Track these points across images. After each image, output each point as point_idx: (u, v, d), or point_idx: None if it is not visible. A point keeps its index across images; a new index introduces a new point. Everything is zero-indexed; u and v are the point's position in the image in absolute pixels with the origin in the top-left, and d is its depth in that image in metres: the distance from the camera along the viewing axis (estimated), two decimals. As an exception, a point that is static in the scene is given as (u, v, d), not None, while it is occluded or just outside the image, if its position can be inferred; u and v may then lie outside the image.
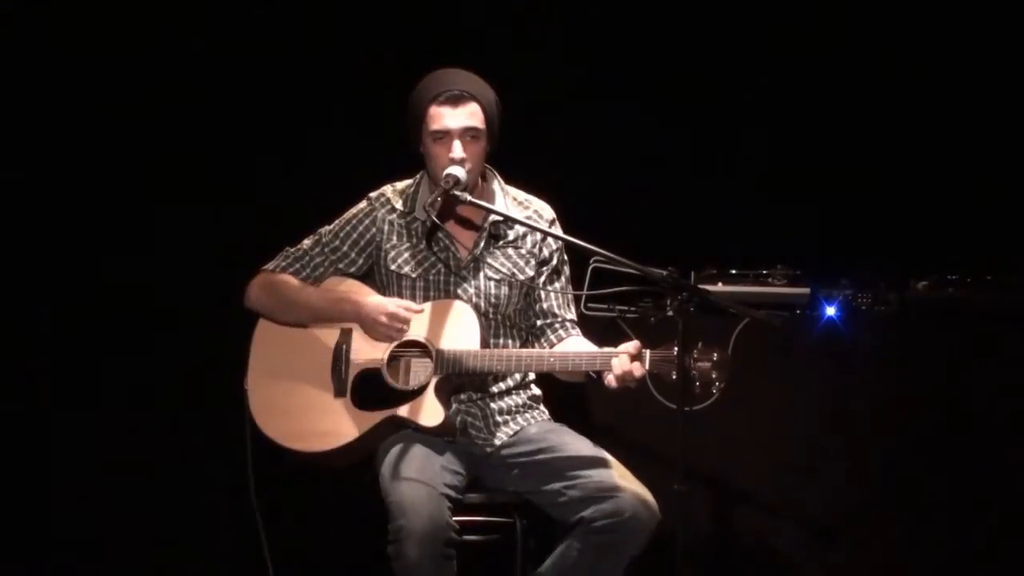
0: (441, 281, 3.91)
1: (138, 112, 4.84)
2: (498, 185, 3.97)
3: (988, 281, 4.62)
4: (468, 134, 3.80)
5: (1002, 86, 4.90)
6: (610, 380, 3.66)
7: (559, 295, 3.97)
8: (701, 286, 4.41)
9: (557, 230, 3.97)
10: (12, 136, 4.80)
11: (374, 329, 3.81)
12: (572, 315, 4.00)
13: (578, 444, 3.84)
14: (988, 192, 4.90)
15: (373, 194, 3.99)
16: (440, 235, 3.91)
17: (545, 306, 3.97)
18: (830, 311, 4.56)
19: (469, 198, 3.73)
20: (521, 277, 3.94)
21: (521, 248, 3.96)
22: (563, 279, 4.01)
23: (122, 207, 4.84)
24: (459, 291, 3.90)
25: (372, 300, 3.83)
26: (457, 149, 3.78)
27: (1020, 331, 4.57)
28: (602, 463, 3.77)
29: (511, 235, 3.95)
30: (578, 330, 3.99)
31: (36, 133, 4.82)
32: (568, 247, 3.97)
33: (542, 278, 3.96)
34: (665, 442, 4.08)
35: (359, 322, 3.83)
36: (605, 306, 4.42)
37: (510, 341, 3.96)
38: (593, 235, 3.70)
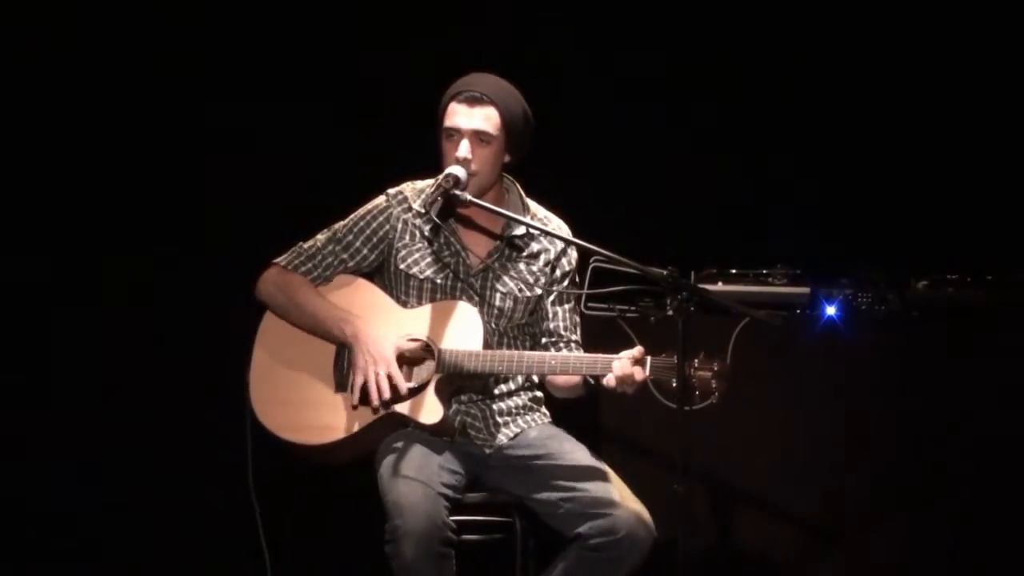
0: (448, 286, 3.89)
1: (136, 109, 4.85)
2: (519, 199, 3.95)
3: (988, 281, 4.62)
4: (478, 137, 3.78)
5: (1002, 86, 4.90)
6: (609, 380, 3.66)
7: (566, 317, 3.96)
8: (701, 286, 4.42)
9: (572, 251, 3.95)
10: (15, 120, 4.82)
11: (358, 359, 3.77)
12: (577, 337, 3.98)
13: (577, 454, 3.83)
14: (988, 192, 4.90)
15: (392, 190, 3.96)
16: (452, 240, 3.90)
17: (551, 326, 3.96)
18: (830, 311, 4.56)
19: (468, 197, 3.71)
20: (528, 293, 3.92)
21: (534, 264, 3.94)
22: (572, 301, 3.98)
23: (124, 200, 4.84)
24: (464, 298, 3.88)
25: (372, 333, 3.77)
26: (463, 149, 3.77)
27: (1020, 331, 4.56)
28: (600, 476, 3.76)
29: (527, 250, 3.93)
30: (582, 351, 3.96)
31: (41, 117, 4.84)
32: (579, 262, 3.97)
33: (551, 297, 3.95)
34: (665, 442, 4.09)
35: (352, 347, 3.79)
36: (605, 306, 4.42)
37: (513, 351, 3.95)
38: (593, 235, 3.70)
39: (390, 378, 3.73)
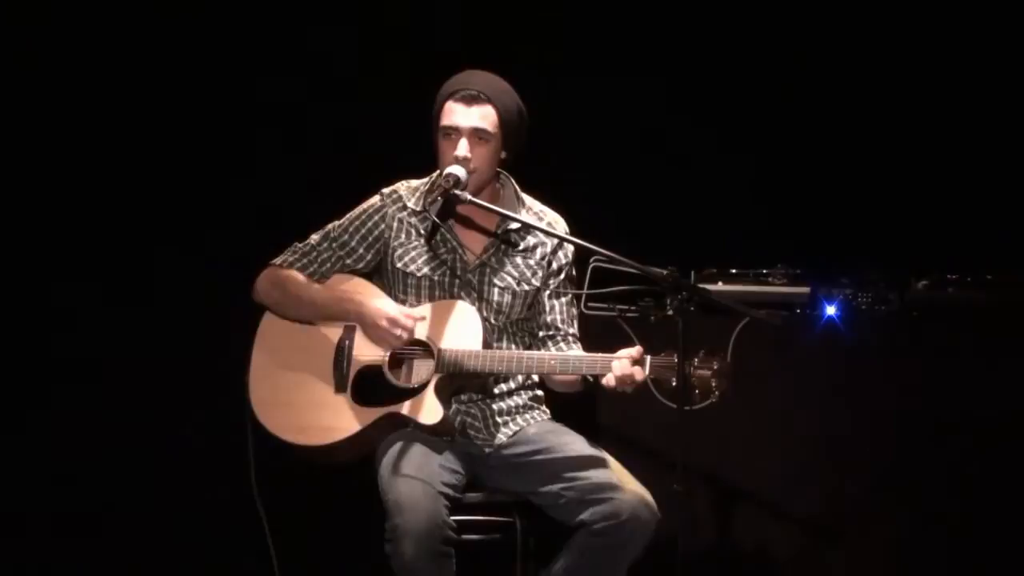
0: (446, 283, 3.90)
1: (137, 111, 4.85)
2: (514, 194, 3.96)
3: (988, 281, 4.62)
4: (477, 135, 3.78)
5: (1002, 86, 4.90)
6: (609, 380, 3.66)
7: (563, 310, 3.97)
8: (701, 285, 4.42)
9: (568, 244, 3.95)
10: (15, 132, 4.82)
11: (374, 331, 3.80)
12: (574, 330, 3.99)
13: (577, 444, 3.84)
14: (988, 192, 4.90)
15: (386, 190, 3.97)
16: (448, 237, 3.90)
17: (548, 319, 3.96)
18: (830, 310, 4.56)
19: (469, 197, 3.72)
20: (526, 287, 3.93)
21: (530, 258, 3.94)
22: (570, 294, 3.99)
23: (124, 204, 4.84)
24: (463, 294, 3.89)
25: (375, 303, 3.81)
26: (462, 147, 3.77)
27: (1020, 331, 4.57)
28: (600, 463, 3.76)
29: (522, 245, 3.94)
30: (579, 345, 3.97)
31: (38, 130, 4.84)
32: (575, 255, 3.97)
33: (548, 291, 3.95)
34: (665, 442, 4.09)
35: (360, 322, 3.83)
36: (605, 305, 4.41)
37: (512, 347, 3.95)
38: (593, 235, 3.70)
39: (409, 320, 3.77)
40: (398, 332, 3.77)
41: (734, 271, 4.62)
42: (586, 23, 4.97)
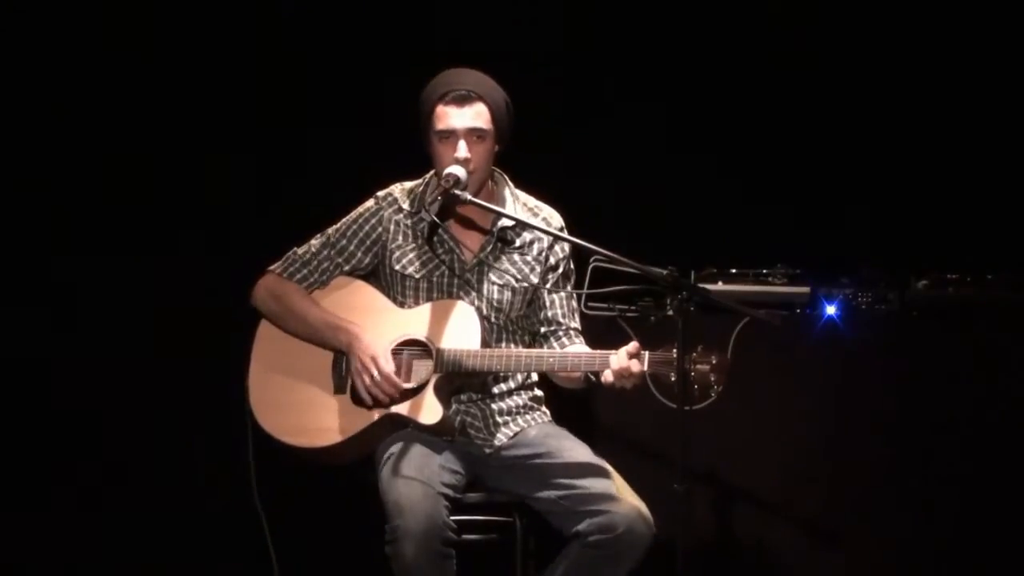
0: (444, 283, 3.90)
1: (134, 109, 4.85)
2: (508, 190, 3.96)
3: (988, 281, 4.62)
4: (474, 134, 3.78)
5: (1002, 85, 4.90)
6: (607, 376, 3.65)
7: (563, 304, 3.96)
8: (701, 285, 4.42)
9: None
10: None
11: (353, 364, 3.78)
12: (576, 324, 3.99)
13: (577, 451, 3.82)
14: (988, 192, 4.90)
15: (381, 193, 3.97)
16: (445, 237, 3.90)
17: (550, 314, 3.96)
18: (830, 310, 4.57)
19: (469, 197, 3.72)
20: (525, 283, 3.93)
21: (527, 255, 3.94)
22: (569, 288, 3.98)
23: (121, 207, 4.84)
24: (462, 294, 3.89)
25: (368, 338, 3.79)
26: (462, 149, 3.77)
27: (1020, 330, 4.57)
28: (599, 472, 3.75)
29: (518, 241, 3.94)
30: (581, 339, 3.97)
31: (29, 130, 4.83)
32: (572, 249, 3.97)
33: (547, 285, 3.95)
34: (665, 442, 4.09)
35: (348, 353, 3.80)
36: (605, 305, 4.42)
37: (512, 346, 3.94)
38: (593, 235, 3.69)
39: (387, 379, 3.74)
40: (374, 373, 3.72)
41: (734, 271, 4.63)
42: (586, 22, 4.97)
